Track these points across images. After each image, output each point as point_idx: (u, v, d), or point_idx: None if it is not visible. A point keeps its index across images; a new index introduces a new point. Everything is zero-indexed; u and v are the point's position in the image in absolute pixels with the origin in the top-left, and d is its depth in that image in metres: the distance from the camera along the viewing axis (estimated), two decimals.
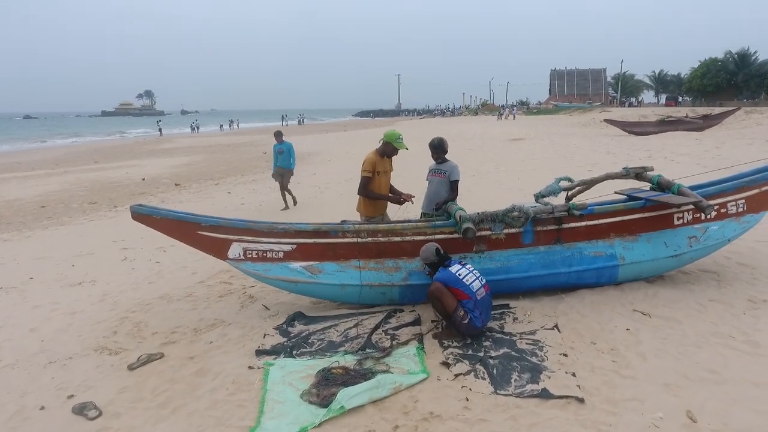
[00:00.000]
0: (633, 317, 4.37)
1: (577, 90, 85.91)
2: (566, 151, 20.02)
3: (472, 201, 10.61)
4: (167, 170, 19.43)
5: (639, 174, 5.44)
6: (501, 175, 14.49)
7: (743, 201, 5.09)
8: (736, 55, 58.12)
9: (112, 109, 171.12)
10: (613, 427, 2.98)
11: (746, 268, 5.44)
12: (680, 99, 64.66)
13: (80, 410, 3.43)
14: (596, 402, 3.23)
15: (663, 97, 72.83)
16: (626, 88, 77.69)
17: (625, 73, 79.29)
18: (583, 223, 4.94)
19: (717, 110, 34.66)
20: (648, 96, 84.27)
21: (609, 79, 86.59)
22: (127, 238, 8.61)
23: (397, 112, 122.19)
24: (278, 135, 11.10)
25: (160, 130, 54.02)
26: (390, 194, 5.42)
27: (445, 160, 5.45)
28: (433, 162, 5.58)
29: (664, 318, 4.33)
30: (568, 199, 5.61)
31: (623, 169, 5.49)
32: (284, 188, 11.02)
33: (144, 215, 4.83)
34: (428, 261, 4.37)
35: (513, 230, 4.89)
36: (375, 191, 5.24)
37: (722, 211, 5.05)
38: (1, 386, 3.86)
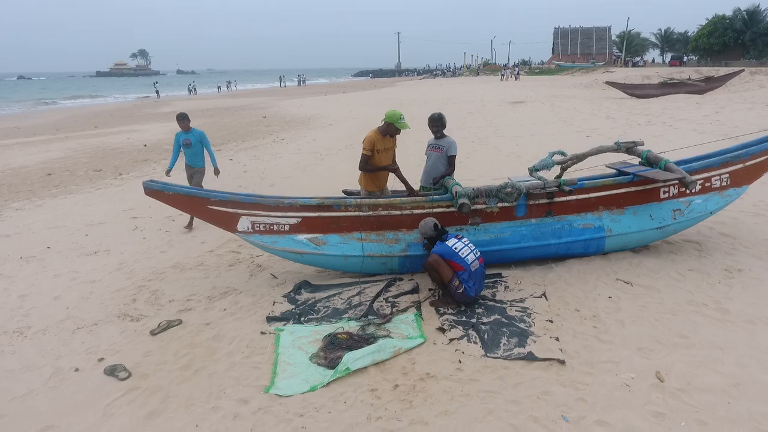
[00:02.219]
0: (616, 286, 4.71)
1: (580, 49, 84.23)
2: (566, 115, 20.04)
3: (470, 167, 10.83)
4: (168, 136, 19.46)
5: (629, 148, 5.67)
6: (499, 140, 14.63)
7: (727, 175, 5.34)
8: (744, 13, 56.69)
9: (106, 69, 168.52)
10: (589, 386, 3.35)
11: (728, 239, 5.74)
12: (685, 58, 63.49)
13: (111, 371, 3.80)
14: (576, 364, 3.59)
15: (669, 56, 71.48)
16: (631, 47, 76.12)
17: (630, 31, 77.48)
18: (573, 197, 5.21)
19: (722, 71, 34.26)
20: (653, 54, 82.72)
21: (614, 37, 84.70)
22: (135, 207, 8.89)
23: (396, 72, 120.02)
24: (183, 119, 7.51)
25: (157, 92, 53.46)
26: (390, 166, 5.62)
27: (444, 136, 5.64)
28: (432, 137, 5.77)
29: (644, 287, 4.66)
30: (562, 170, 5.86)
31: (615, 143, 5.71)
32: None
33: (156, 191, 5.08)
34: (426, 235, 4.66)
35: (506, 204, 5.15)
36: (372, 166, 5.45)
37: (706, 185, 5.31)
38: (36, 350, 4.23)
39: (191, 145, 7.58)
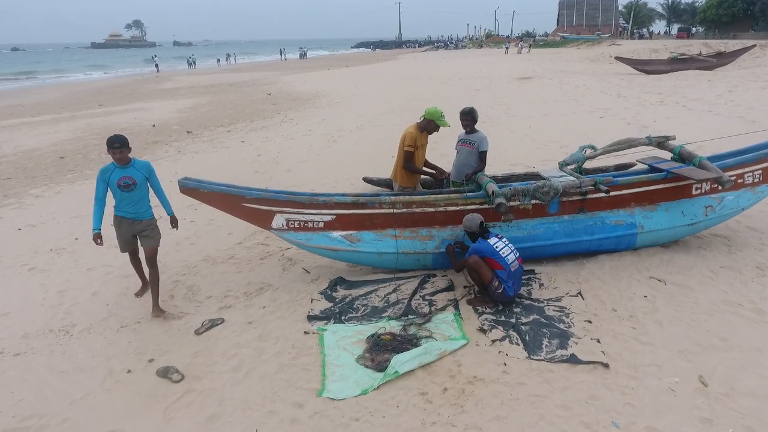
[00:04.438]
0: (650, 284, 4.78)
1: (586, 20, 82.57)
2: (576, 93, 19.84)
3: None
4: (174, 115, 19.32)
5: (661, 143, 5.67)
6: (511, 121, 14.53)
7: (760, 172, 5.35)
8: None
9: (102, 41, 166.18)
10: (635, 391, 3.44)
11: (755, 233, 5.79)
12: (693, 30, 62.35)
13: (164, 373, 3.89)
14: (619, 367, 3.69)
15: (675, 28, 70.21)
16: (638, 18, 74.61)
17: (638, 1, 75.83)
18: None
19: (731, 43, 33.72)
20: (659, 26, 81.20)
21: (620, 8, 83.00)
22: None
23: (398, 44, 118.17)
24: (119, 144, 4.58)
25: (156, 66, 52.72)
26: (428, 168, 5.67)
27: (475, 131, 5.62)
28: (462, 131, 5.75)
29: (678, 285, 4.73)
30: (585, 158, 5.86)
31: (646, 138, 5.70)
32: (142, 265, 5.15)
33: (190, 189, 5.10)
34: (470, 230, 4.69)
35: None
36: (415, 165, 5.48)
37: (739, 181, 5.33)
38: (84, 350, 4.32)
39: (135, 186, 4.68)
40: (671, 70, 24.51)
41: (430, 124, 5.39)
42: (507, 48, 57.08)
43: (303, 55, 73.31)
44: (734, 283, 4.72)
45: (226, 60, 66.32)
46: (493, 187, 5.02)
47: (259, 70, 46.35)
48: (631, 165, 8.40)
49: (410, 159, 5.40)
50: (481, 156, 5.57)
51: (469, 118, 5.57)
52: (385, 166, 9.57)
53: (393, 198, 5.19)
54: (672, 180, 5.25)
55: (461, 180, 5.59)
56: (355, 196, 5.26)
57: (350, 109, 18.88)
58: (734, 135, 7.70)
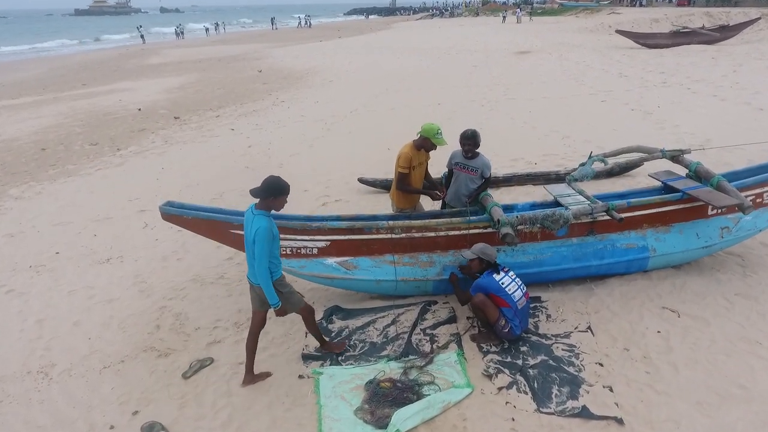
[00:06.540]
0: (662, 316, 4.53)
1: None
2: (576, 70, 19.26)
3: (484, 142, 10.31)
4: (162, 96, 18.65)
5: (675, 157, 5.34)
6: (511, 105, 14.07)
7: None
8: None
9: (85, 7, 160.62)
10: None
11: None
12: None
13: (149, 431, 3.64)
14: (634, 423, 3.46)
15: None
16: None
17: None
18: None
19: (734, 12, 32.87)
20: None
21: None
22: (141, 196, 8.51)
23: (391, 11, 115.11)
24: (284, 190, 4.04)
25: (142, 37, 51.05)
26: (426, 186, 5.31)
27: (476, 155, 5.17)
28: (458, 150, 5.24)
29: (692, 317, 4.49)
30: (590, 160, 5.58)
31: (660, 151, 5.37)
32: None
33: (174, 216, 4.75)
34: (489, 259, 4.34)
35: None
36: (411, 186, 5.12)
37: (757, 201, 5.03)
38: (65, 398, 4.05)
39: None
40: (673, 44, 23.85)
41: (426, 142, 4.98)
42: (504, 17, 55.52)
43: (306, 24, 71.07)
44: (751, 315, 4.48)
45: (215, 29, 64.32)
46: (498, 213, 4.69)
47: (250, 42, 44.98)
48: (639, 164, 8.10)
49: (404, 180, 5.05)
50: (486, 180, 5.19)
51: (471, 142, 5.06)
52: (380, 161, 9.22)
53: (391, 222, 4.87)
54: (687, 201, 4.94)
55: (460, 205, 5.23)
56: (350, 220, 4.95)
57: (344, 89, 18.27)
58: (746, 144, 7.35)
